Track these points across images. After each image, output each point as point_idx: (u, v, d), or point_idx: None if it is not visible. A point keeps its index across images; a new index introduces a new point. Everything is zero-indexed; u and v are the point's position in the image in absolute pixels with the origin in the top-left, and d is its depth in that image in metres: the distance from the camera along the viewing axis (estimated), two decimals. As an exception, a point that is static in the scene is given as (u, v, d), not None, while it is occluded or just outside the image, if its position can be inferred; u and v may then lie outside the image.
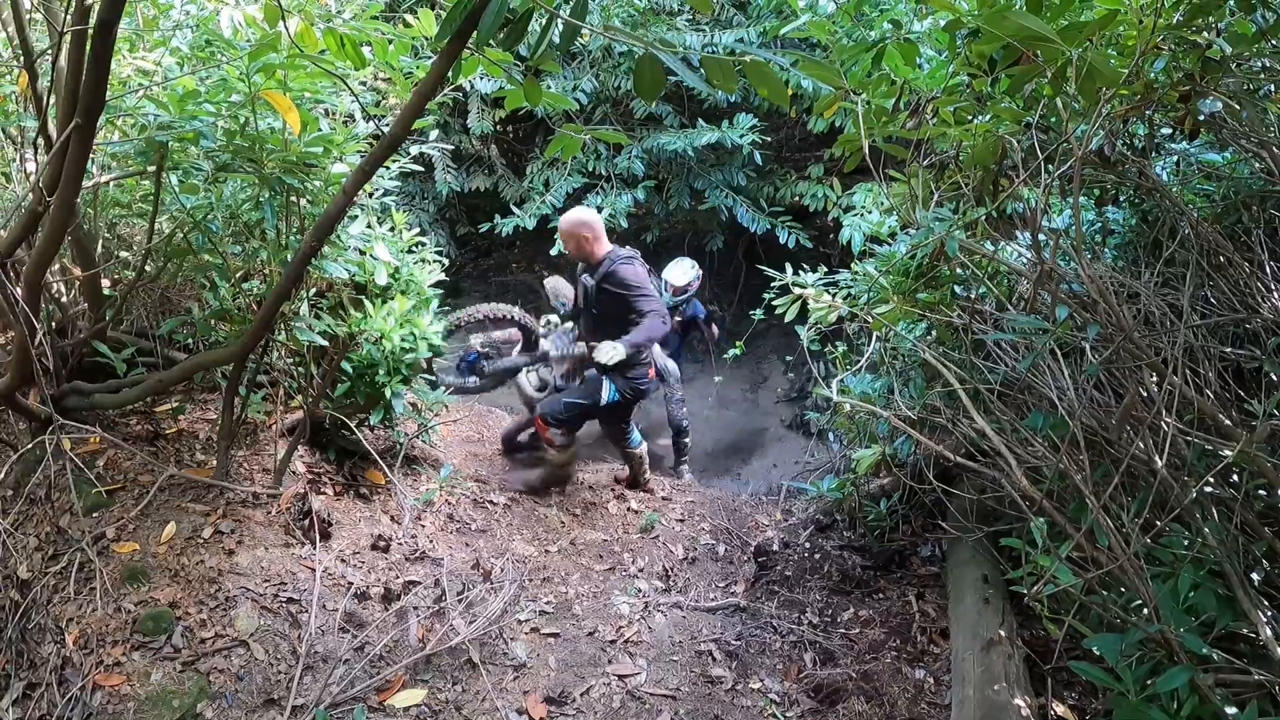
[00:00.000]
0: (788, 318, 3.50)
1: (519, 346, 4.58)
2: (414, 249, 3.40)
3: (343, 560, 2.90)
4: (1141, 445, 2.24)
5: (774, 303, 3.60)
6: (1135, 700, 1.85)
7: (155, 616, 2.36)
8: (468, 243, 7.20)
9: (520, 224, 5.72)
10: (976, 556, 3.08)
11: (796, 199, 5.81)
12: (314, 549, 2.84)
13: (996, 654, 2.52)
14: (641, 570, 3.62)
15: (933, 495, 3.11)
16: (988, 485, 2.90)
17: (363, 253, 2.96)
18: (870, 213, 4.67)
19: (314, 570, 2.73)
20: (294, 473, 3.17)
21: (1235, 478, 2.37)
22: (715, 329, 5.62)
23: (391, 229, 3.26)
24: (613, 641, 2.94)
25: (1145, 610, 2.04)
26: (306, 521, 2.91)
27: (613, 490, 4.36)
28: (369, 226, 3.04)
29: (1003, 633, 2.61)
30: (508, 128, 6.95)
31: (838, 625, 3.11)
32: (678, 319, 5.28)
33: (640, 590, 3.39)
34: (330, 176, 2.61)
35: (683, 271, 5.14)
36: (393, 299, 3.05)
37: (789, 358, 6.49)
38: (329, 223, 2.21)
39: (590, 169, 5.78)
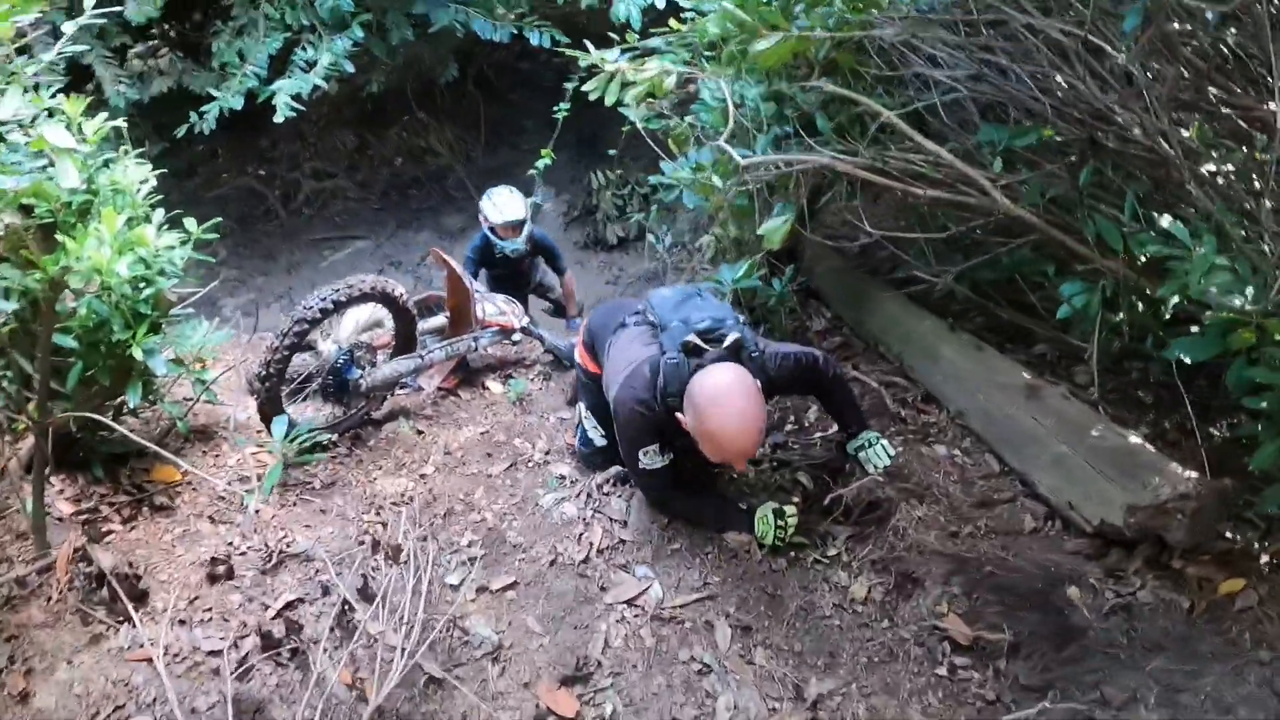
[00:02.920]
0: (608, 100, 2.80)
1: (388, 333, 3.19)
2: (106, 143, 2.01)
3: (182, 621, 1.90)
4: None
5: (584, 89, 2.79)
6: None
7: None
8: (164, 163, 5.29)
9: (225, 107, 4.47)
10: (917, 311, 2.78)
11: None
12: (135, 626, 1.74)
13: (1050, 396, 2.21)
14: (549, 453, 2.87)
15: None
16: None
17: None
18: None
19: (153, 660, 1.65)
20: (59, 520, 2.09)
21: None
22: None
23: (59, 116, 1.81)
24: (586, 559, 2.23)
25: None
26: (105, 590, 1.84)
27: (455, 377, 3.47)
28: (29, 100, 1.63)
29: (1027, 375, 2.32)
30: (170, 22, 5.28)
31: (808, 432, 2.69)
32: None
33: (564, 476, 2.66)
34: None
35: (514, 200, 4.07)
36: (95, 219, 1.77)
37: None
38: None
39: (288, 21, 4.59)
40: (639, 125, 3.13)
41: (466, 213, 5.73)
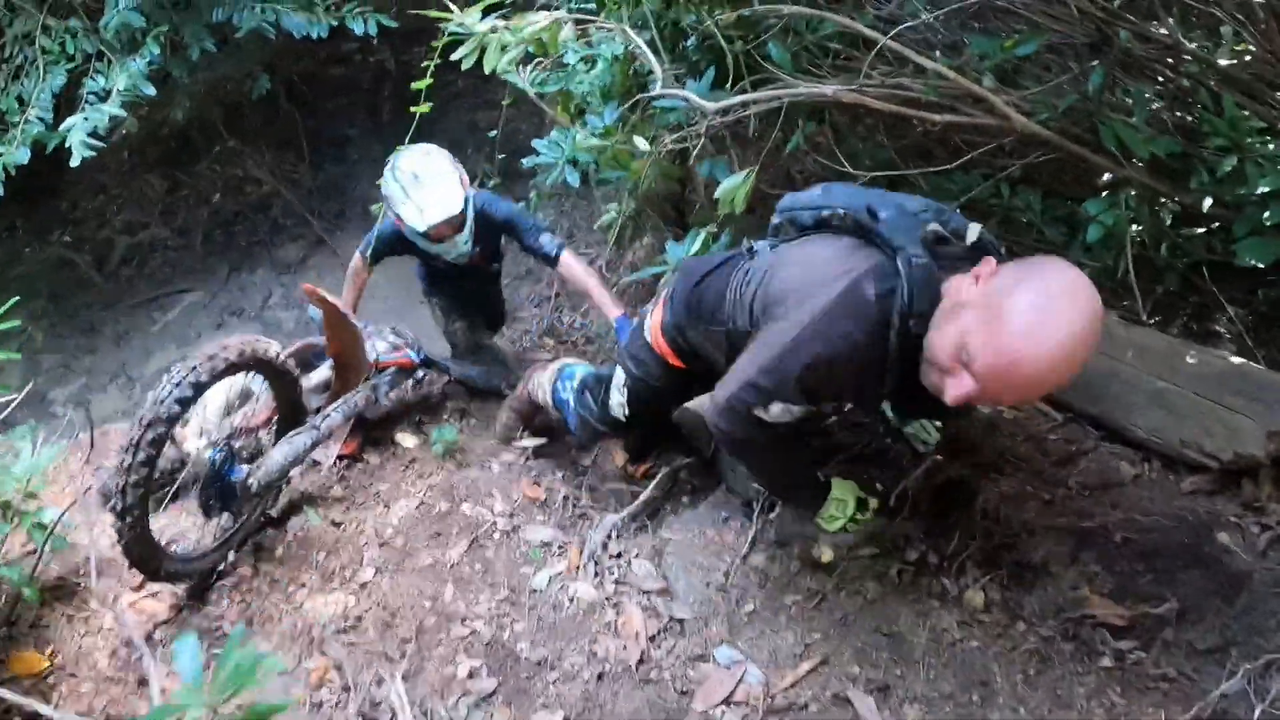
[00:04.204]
0: (486, 66, 2.18)
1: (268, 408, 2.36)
2: None
3: None
4: None
5: (455, 57, 2.22)
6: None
7: None
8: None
9: (8, 164, 3.65)
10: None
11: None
12: None
13: (1112, 325, 1.91)
14: (512, 514, 2.30)
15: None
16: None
17: None
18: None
19: None
20: None
21: None
22: None
23: None
24: (642, 659, 1.73)
25: None
26: None
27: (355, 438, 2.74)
28: None
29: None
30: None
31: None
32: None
33: (546, 543, 2.15)
34: None
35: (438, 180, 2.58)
36: None
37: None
38: None
39: (70, 51, 3.86)
40: (530, 91, 2.58)
41: (303, 240, 4.91)
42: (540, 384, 2.55)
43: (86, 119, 3.57)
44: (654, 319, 1.92)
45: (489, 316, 3.35)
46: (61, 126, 3.60)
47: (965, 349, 1.25)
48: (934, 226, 1.41)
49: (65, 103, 3.80)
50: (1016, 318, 1.21)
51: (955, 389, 1.28)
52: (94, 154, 3.55)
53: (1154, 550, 1.67)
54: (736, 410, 1.53)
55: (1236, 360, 1.73)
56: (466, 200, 2.56)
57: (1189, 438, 1.73)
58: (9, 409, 1.72)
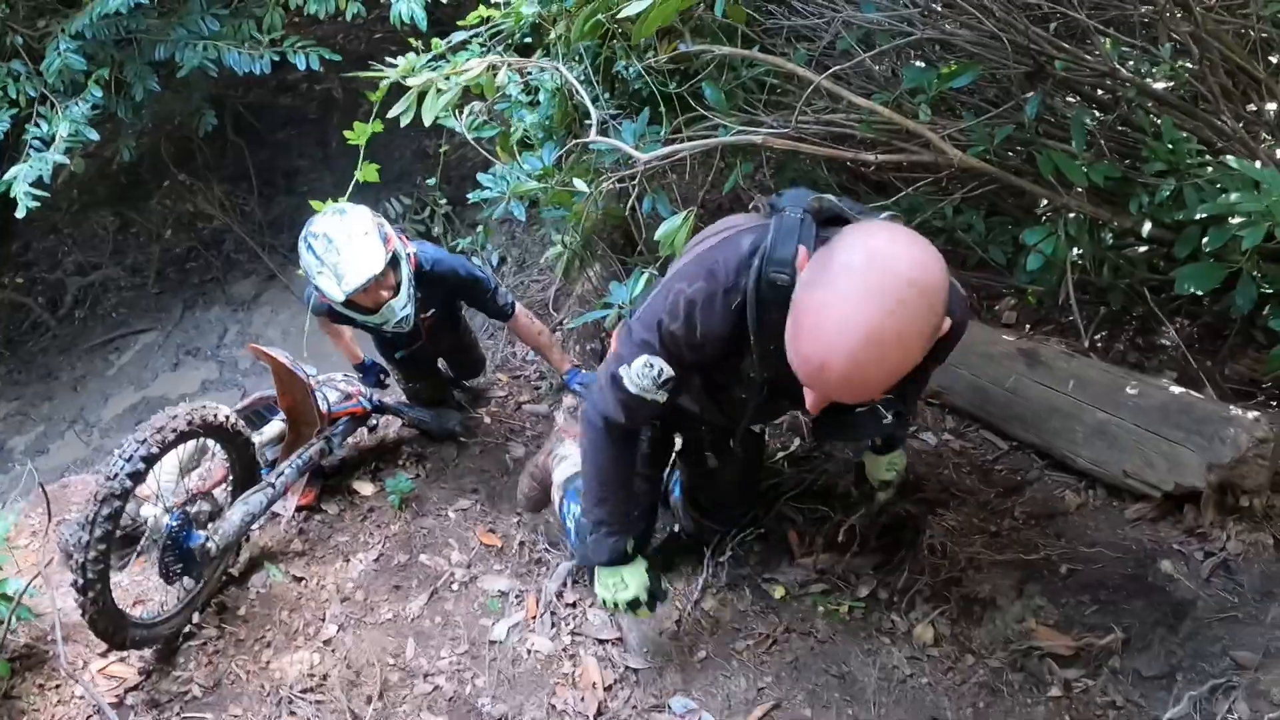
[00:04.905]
0: (426, 118, 2.13)
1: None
2: None
3: None
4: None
5: (391, 114, 2.19)
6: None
7: None
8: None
9: None
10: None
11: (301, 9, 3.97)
12: None
13: (1053, 358, 1.96)
14: (470, 564, 2.29)
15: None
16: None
17: None
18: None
19: None
20: None
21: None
22: None
23: None
24: (599, 711, 1.71)
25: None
26: None
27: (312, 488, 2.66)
28: None
29: (1010, 338, 2.09)
30: None
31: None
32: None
33: (503, 592, 2.14)
34: None
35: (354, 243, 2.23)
36: None
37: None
38: None
39: (11, 95, 3.82)
40: (468, 136, 2.55)
41: (256, 276, 4.84)
42: (558, 476, 2.29)
43: (31, 167, 3.52)
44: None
45: (461, 366, 3.09)
46: (5, 176, 3.53)
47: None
48: (828, 199, 1.28)
49: (7, 150, 3.77)
50: (805, 317, 1.08)
51: (808, 398, 1.18)
52: (39, 204, 3.48)
53: (1099, 581, 1.69)
54: (607, 372, 1.46)
55: (1177, 390, 1.75)
56: (396, 258, 2.26)
57: (1131, 469, 1.75)
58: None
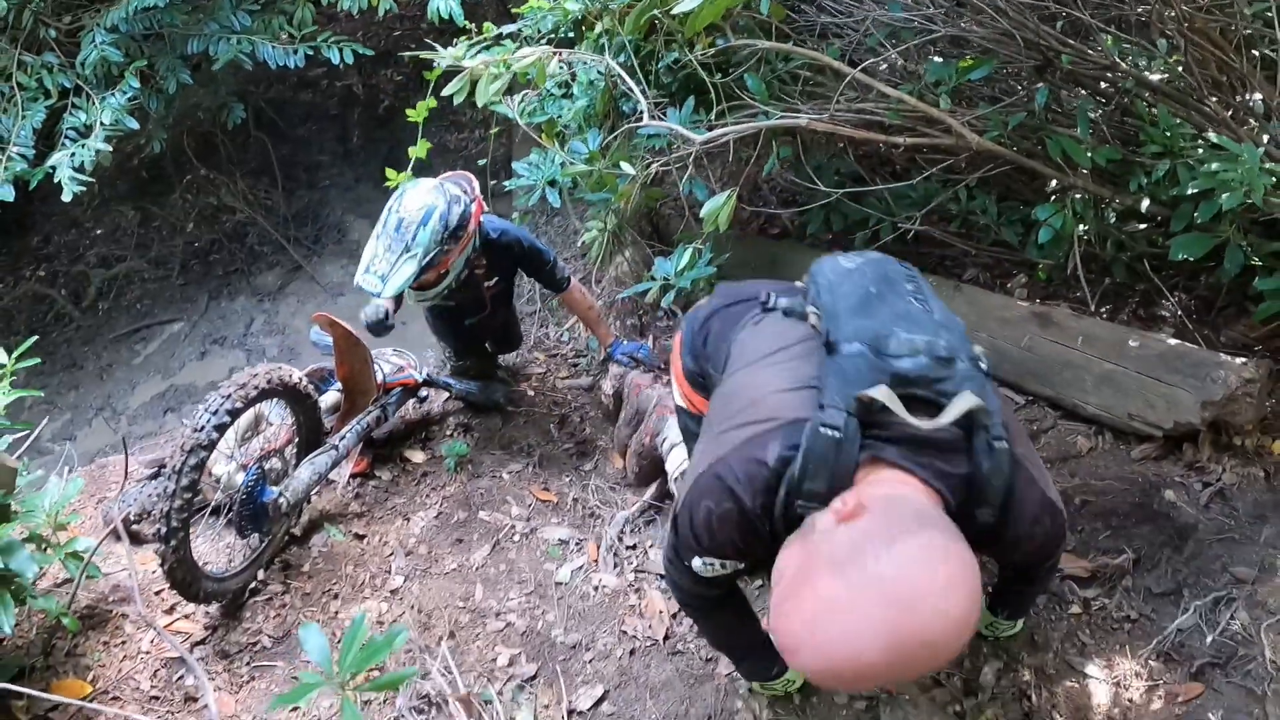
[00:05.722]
0: (479, 100, 2.32)
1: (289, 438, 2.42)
2: None
3: None
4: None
5: (445, 92, 2.38)
6: None
7: None
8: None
9: None
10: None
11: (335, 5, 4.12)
12: None
13: (1064, 319, 2.17)
14: (528, 518, 2.45)
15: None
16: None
17: None
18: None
19: None
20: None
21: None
22: None
23: None
24: (667, 635, 1.89)
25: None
26: None
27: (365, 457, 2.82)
28: None
29: (1024, 304, 2.30)
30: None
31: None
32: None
33: (563, 540, 2.31)
34: None
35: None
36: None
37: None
38: None
39: (48, 86, 3.89)
40: (520, 121, 2.74)
41: (281, 267, 4.94)
42: (670, 466, 2.29)
43: (73, 155, 3.62)
44: (675, 367, 1.76)
45: (503, 340, 3.19)
46: (47, 163, 3.64)
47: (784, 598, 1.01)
48: (875, 393, 1.06)
49: (43, 139, 3.82)
50: (805, 605, 0.96)
51: None
52: (84, 189, 3.59)
53: (1110, 510, 1.91)
54: (672, 561, 1.38)
55: (1173, 342, 1.98)
56: (433, 240, 2.30)
57: (1135, 411, 1.97)
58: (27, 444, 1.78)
